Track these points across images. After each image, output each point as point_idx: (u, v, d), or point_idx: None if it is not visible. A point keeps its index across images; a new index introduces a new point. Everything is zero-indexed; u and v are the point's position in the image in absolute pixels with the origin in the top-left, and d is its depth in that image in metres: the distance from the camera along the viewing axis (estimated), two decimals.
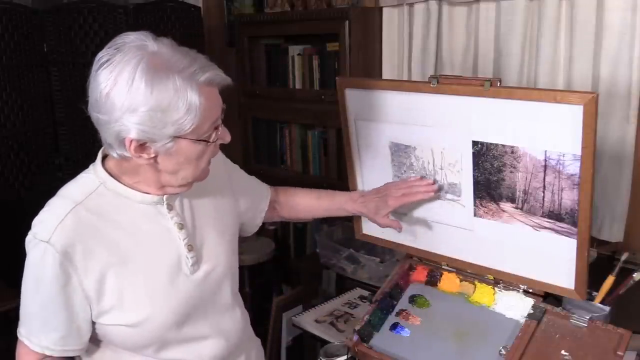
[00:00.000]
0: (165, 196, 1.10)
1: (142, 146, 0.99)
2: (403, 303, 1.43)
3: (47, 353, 1.08)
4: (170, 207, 1.11)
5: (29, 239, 1.04)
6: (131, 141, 0.97)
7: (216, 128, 1.03)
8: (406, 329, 1.36)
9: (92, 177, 1.08)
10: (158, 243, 1.10)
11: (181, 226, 1.12)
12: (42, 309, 1.06)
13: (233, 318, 1.24)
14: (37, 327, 1.08)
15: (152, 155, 1.00)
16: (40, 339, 1.07)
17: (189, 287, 1.12)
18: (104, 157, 1.10)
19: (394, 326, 1.37)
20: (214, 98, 1.00)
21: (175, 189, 1.10)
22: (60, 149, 3.07)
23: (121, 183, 1.07)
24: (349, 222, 2.02)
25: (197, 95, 0.95)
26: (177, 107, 0.94)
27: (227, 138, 1.06)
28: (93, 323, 1.09)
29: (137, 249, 1.07)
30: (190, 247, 1.12)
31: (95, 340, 1.13)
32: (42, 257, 1.02)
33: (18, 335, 1.11)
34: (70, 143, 3.06)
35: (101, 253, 1.04)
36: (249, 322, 1.34)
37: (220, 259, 1.19)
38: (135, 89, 0.93)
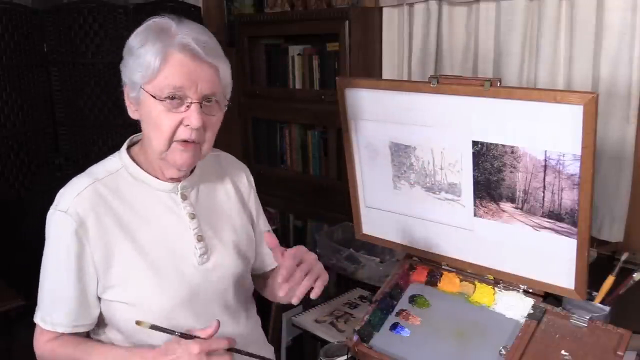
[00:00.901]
0: (179, 185, 1.16)
1: (127, 95, 1.10)
2: (403, 303, 1.43)
3: (59, 330, 1.12)
4: (184, 197, 1.17)
5: (50, 212, 1.11)
6: (124, 88, 1.11)
7: (180, 101, 1.05)
8: (406, 329, 1.36)
9: (116, 160, 1.16)
10: (169, 229, 1.14)
11: (193, 216, 1.17)
12: (57, 281, 1.10)
13: (235, 323, 1.24)
14: (51, 303, 1.12)
15: (135, 107, 1.10)
16: (53, 316, 1.11)
17: (194, 276, 1.15)
18: (130, 146, 1.19)
19: (394, 326, 1.37)
20: (183, 68, 1.04)
21: (166, 167, 1.13)
22: (60, 149, 3.07)
23: (142, 169, 1.14)
24: (349, 222, 2.02)
25: (159, 53, 1.03)
26: (139, 54, 1.05)
27: (193, 121, 1.04)
28: (98, 299, 1.13)
29: (147, 231, 1.12)
30: (200, 238, 1.16)
31: (101, 324, 1.16)
32: (60, 227, 1.08)
33: (34, 320, 1.15)
34: (70, 143, 3.05)
35: (112, 229, 1.10)
36: (260, 329, 1.35)
37: (228, 258, 1.21)
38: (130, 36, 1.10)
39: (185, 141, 1.07)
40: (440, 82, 1.28)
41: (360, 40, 2.59)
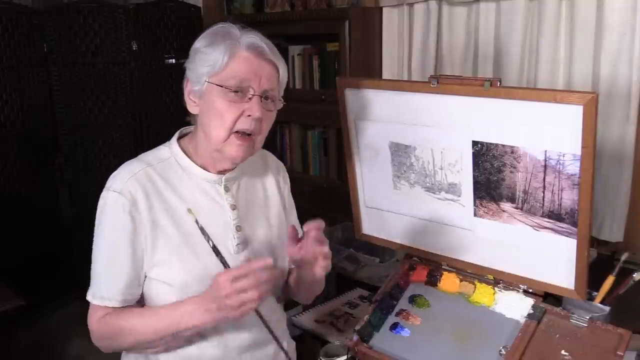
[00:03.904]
0: (224, 177, 1.22)
1: (189, 89, 1.18)
2: (403, 303, 1.43)
3: (109, 304, 1.16)
4: (227, 189, 1.23)
5: (104, 194, 1.17)
6: (186, 83, 1.18)
7: (244, 93, 1.13)
8: (406, 329, 1.36)
9: (167, 149, 1.23)
10: (210, 217, 1.19)
11: (234, 207, 1.23)
12: (112, 258, 1.16)
13: (266, 313, 1.25)
14: (103, 279, 1.17)
15: (196, 101, 1.17)
16: (103, 291, 1.16)
17: (230, 263, 1.17)
18: (181, 137, 1.25)
19: (394, 326, 1.37)
20: (248, 64, 1.13)
21: (219, 159, 1.18)
22: (60, 149, 3.07)
23: (190, 159, 1.21)
24: (349, 222, 2.02)
25: (227, 50, 1.12)
26: (207, 52, 1.13)
27: (254, 111, 1.12)
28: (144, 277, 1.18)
29: (190, 217, 1.17)
30: (239, 228, 1.23)
31: (141, 303, 1.22)
32: (114, 206, 1.14)
33: (87, 298, 1.19)
34: (70, 143, 3.05)
35: (160, 211, 1.16)
36: (285, 323, 1.39)
37: (261, 250, 1.26)
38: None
39: (243, 134, 1.15)
40: (440, 82, 1.28)
41: (360, 40, 2.59)
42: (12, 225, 2.83)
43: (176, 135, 1.26)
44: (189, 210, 1.10)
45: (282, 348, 1.15)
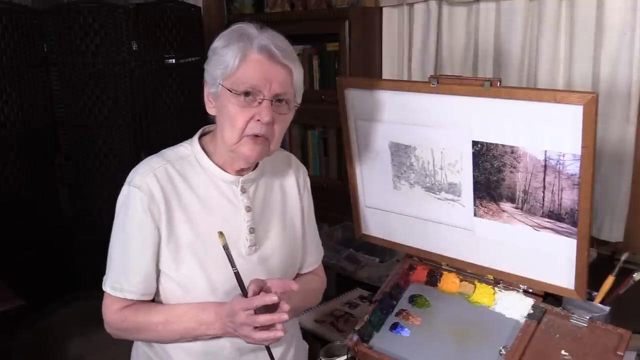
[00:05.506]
0: (241, 179, 1.22)
1: (207, 91, 1.18)
2: (403, 303, 1.43)
3: (129, 297, 1.18)
4: (243, 190, 1.23)
5: (124, 188, 1.19)
6: (204, 85, 1.19)
7: (254, 97, 1.12)
8: (406, 329, 1.36)
9: (188, 147, 1.24)
10: (224, 217, 1.21)
11: (249, 209, 1.23)
12: (129, 252, 1.18)
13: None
14: (122, 272, 1.18)
15: (213, 103, 1.18)
16: (123, 284, 1.18)
17: (241, 264, 1.17)
18: (202, 135, 1.26)
19: (394, 326, 1.37)
20: (259, 67, 1.12)
21: (235, 159, 1.19)
22: (60, 149, 3.07)
23: (209, 159, 1.21)
24: (349, 222, 2.02)
25: (239, 52, 1.11)
26: (222, 53, 1.13)
27: (263, 116, 1.12)
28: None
29: (205, 216, 1.19)
30: (252, 230, 1.23)
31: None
32: (133, 201, 1.16)
33: (103, 288, 1.21)
34: (70, 143, 3.05)
35: (176, 209, 1.18)
36: (297, 325, 1.39)
37: (274, 253, 1.26)
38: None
39: (255, 136, 1.14)
40: (440, 82, 1.28)
41: (360, 40, 2.59)
42: (12, 225, 2.83)
43: (198, 133, 1.26)
44: (220, 234, 1.09)
45: (270, 356, 1.15)
